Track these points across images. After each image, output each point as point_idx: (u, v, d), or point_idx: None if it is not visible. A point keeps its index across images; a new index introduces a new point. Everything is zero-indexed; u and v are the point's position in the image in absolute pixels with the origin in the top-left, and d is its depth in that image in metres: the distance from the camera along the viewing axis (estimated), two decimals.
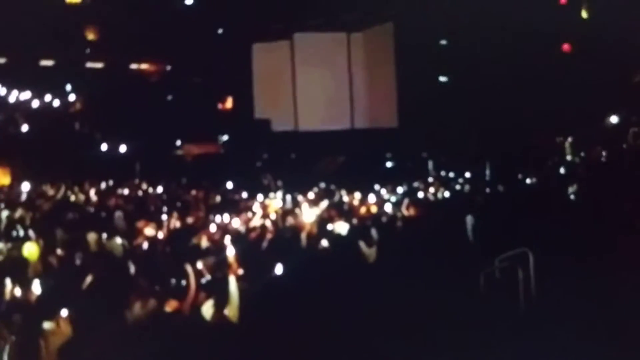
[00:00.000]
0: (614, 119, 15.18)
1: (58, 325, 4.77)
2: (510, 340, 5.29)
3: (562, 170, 12.01)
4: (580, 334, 5.28)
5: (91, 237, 7.78)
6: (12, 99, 18.16)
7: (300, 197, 11.87)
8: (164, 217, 9.54)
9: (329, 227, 8.33)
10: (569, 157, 13.11)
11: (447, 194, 12.60)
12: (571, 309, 5.85)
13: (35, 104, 18.26)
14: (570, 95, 14.24)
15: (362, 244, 7.26)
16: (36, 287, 5.67)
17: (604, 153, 10.48)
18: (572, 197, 9.63)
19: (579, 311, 5.75)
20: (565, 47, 15.76)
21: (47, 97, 18.33)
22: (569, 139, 14.13)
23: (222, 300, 5.81)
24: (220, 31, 18.09)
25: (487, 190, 12.64)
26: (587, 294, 6.04)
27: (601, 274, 6.46)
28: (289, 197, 11.90)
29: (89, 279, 5.97)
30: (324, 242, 7.27)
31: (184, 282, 5.99)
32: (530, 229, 7.66)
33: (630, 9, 13.65)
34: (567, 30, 15.41)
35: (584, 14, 15.56)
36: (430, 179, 14.68)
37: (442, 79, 17.48)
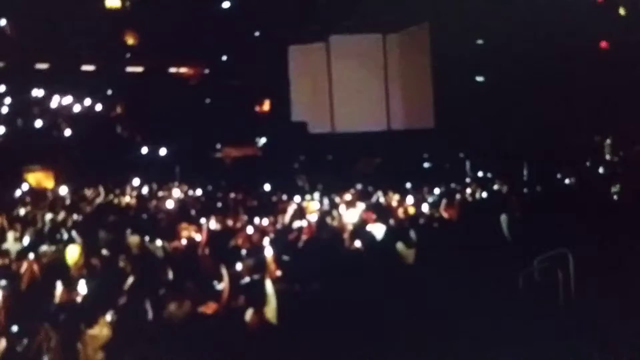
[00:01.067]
0: None
1: (99, 326, 4.88)
2: (550, 342, 5.22)
3: (601, 170, 11.74)
4: (620, 336, 5.18)
5: (132, 239, 7.97)
6: (54, 103, 18.72)
7: (337, 199, 11.90)
8: (203, 219, 9.70)
9: (367, 228, 8.33)
10: (608, 157, 12.81)
11: (484, 194, 12.45)
12: (611, 311, 5.73)
13: (77, 108, 18.79)
14: (608, 93, 13.90)
15: (400, 245, 7.24)
16: (80, 289, 5.81)
17: None
18: (611, 197, 9.39)
19: (619, 313, 5.63)
20: (603, 44, 15.38)
21: (88, 102, 18.84)
22: (608, 139, 13.80)
23: (260, 301, 5.88)
24: (257, 34, 18.25)
25: (525, 190, 12.43)
26: (628, 295, 5.91)
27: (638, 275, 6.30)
28: (326, 198, 11.95)
29: (130, 280, 6.11)
30: (362, 244, 7.28)
31: (221, 284, 6.07)
32: (570, 229, 7.52)
33: None
34: (604, 28, 15.03)
35: (622, 11, 15.16)
36: (468, 180, 14.53)
37: (479, 79, 17.28)
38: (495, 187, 13.55)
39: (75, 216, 10.41)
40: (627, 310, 5.58)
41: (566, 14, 14.11)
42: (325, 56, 18.73)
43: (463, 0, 15.47)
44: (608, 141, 14.00)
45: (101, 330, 4.93)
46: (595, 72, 14.42)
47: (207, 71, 18.94)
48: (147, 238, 7.94)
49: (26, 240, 8.42)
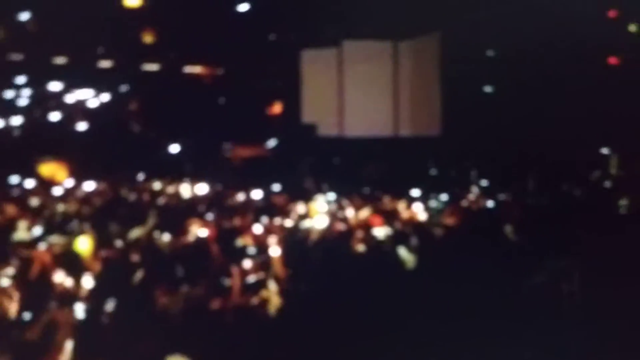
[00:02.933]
0: None
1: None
2: (553, 355, 5.27)
3: (607, 184, 11.84)
4: (623, 348, 5.23)
5: (141, 233, 8.15)
6: (70, 98, 18.98)
7: (344, 202, 12.05)
8: (212, 216, 9.88)
9: (371, 231, 8.48)
10: (613, 171, 12.90)
11: (489, 203, 12.55)
12: (616, 324, 5.78)
13: (93, 103, 19.05)
14: (615, 108, 14.00)
15: (402, 250, 7.38)
16: (87, 281, 5.96)
17: None
18: (616, 210, 9.47)
19: (624, 326, 5.68)
20: (612, 60, 15.48)
21: (104, 97, 19.10)
22: (615, 152, 13.89)
23: (264, 300, 6.02)
24: (271, 37, 18.44)
25: (530, 201, 12.52)
26: (633, 309, 5.95)
27: None
28: (333, 201, 12.09)
29: (139, 274, 6.28)
30: (366, 247, 7.42)
31: (228, 281, 6.22)
32: (574, 241, 7.57)
33: None
34: (614, 44, 15.14)
35: (633, 28, 15.25)
36: (473, 188, 14.64)
37: (487, 89, 17.39)
38: (501, 196, 13.67)
39: (86, 209, 10.62)
40: (633, 323, 5.63)
41: (576, 29, 14.23)
42: (337, 61, 18.86)
43: (475, 12, 15.59)
44: (614, 155, 14.08)
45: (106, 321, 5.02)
46: (604, 87, 14.50)
47: (221, 72, 19.14)
48: (156, 233, 8.12)
49: (37, 231, 8.62)
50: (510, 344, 5.43)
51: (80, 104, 19.01)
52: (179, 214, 10.51)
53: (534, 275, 6.90)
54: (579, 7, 14.23)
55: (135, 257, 6.96)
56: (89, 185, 14.26)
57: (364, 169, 17.36)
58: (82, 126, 18.68)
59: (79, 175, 14.93)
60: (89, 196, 12.75)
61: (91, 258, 6.90)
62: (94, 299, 5.67)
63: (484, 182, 15.57)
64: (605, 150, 14.73)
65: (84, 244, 7.15)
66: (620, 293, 6.28)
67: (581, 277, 6.47)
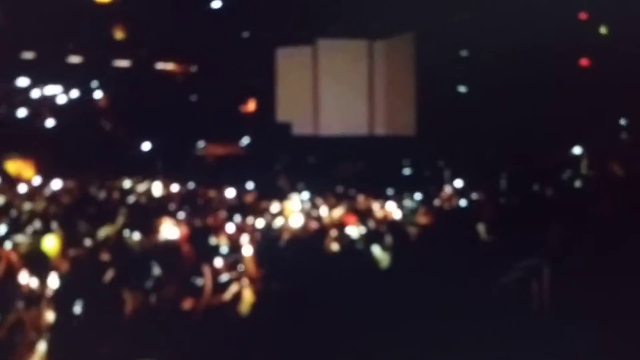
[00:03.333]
0: (628, 135, 15.22)
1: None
2: (523, 352, 5.31)
3: (577, 183, 12.07)
4: (594, 346, 5.29)
5: (110, 232, 8.00)
6: (37, 93, 18.55)
7: (318, 200, 12.03)
8: (184, 215, 9.74)
9: (345, 230, 8.47)
10: (584, 171, 13.16)
11: (462, 202, 12.67)
12: (585, 321, 5.86)
13: (61, 99, 18.64)
14: (587, 109, 14.28)
15: (376, 248, 7.38)
16: (53, 281, 5.81)
17: (619, 168, 10.52)
18: (586, 209, 9.63)
19: (592, 323, 5.75)
20: (584, 61, 15.79)
21: (73, 93, 18.71)
22: (585, 153, 14.17)
23: (236, 299, 5.95)
24: (245, 35, 18.30)
25: (503, 200, 12.67)
26: (601, 307, 6.05)
27: (613, 287, 6.46)
28: (307, 199, 12.06)
29: (108, 274, 6.14)
30: (340, 245, 7.40)
31: (200, 281, 6.13)
32: (545, 240, 7.66)
33: None
34: (585, 45, 15.46)
35: (603, 30, 15.59)
36: (446, 187, 14.76)
37: (461, 89, 17.58)
38: (474, 195, 13.80)
39: (54, 207, 10.39)
40: (601, 321, 5.71)
41: (549, 30, 14.46)
42: (312, 59, 18.83)
43: (449, 12, 15.75)
44: (585, 155, 14.36)
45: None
46: (575, 88, 14.76)
47: (194, 69, 18.93)
48: (126, 232, 7.98)
49: (2, 230, 8.41)
50: (483, 341, 5.46)
51: (48, 100, 18.59)
52: (150, 212, 10.36)
53: (505, 273, 6.97)
54: (550, 9, 14.47)
55: (104, 257, 6.81)
56: (57, 184, 13.95)
57: (339, 167, 17.37)
58: (50, 123, 18.26)
59: (47, 173, 14.60)
60: (56, 194, 12.48)
61: (59, 257, 6.73)
62: (62, 299, 5.53)
63: (458, 182, 15.72)
64: (576, 151, 15.00)
65: (51, 243, 6.98)
66: (590, 291, 6.39)
67: (551, 275, 6.55)
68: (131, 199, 12.64)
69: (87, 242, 7.56)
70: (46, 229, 8.02)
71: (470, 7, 15.25)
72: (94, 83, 18.56)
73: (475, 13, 15.32)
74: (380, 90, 18.75)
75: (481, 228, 8.63)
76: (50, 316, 5.08)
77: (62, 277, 6.04)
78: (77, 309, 5.19)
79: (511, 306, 6.61)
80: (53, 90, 18.44)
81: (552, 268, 6.55)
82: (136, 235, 7.99)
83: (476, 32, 15.50)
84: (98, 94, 18.78)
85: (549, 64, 14.77)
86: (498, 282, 6.87)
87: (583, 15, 15.64)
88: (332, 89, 18.59)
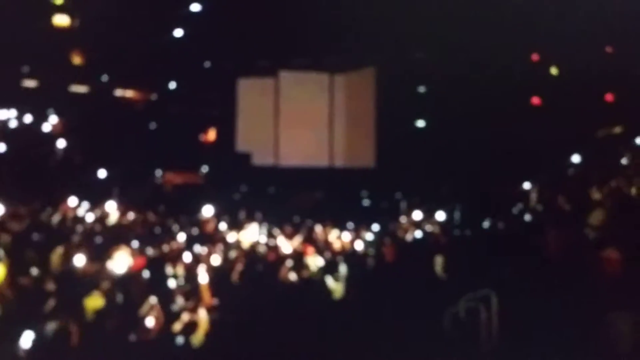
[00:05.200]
0: (575, 171, 15.89)
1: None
2: None
3: (527, 217, 12.46)
4: None
5: (60, 260, 7.79)
6: None
7: (276, 231, 12.03)
8: (139, 244, 9.59)
9: (302, 260, 8.49)
10: (534, 205, 13.61)
11: (418, 234, 12.86)
12: (530, 349, 5.99)
13: (15, 123, 18.21)
14: (538, 146, 14.85)
15: (329, 279, 7.41)
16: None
17: (566, 202, 10.94)
18: (534, 242, 9.89)
19: (537, 351, 5.89)
20: (535, 100, 16.50)
21: (28, 118, 18.31)
22: (535, 187, 14.66)
23: (190, 328, 5.87)
24: (207, 64, 18.38)
25: (456, 232, 12.91)
26: (547, 335, 6.20)
27: (561, 317, 6.64)
28: (265, 230, 12.05)
29: (51, 302, 5.97)
30: (296, 275, 7.42)
31: (152, 311, 6.04)
32: (496, 271, 7.83)
33: (596, 70, 14.48)
34: (537, 85, 16.18)
35: (554, 70, 16.37)
36: (403, 219, 14.98)
37: (419, 124, 18.06)
38: (428, 228, 14.02)
39: (2, 234, 10.06)
40: (545, 347, 5.85)
41: (503, 70, 15.10)
42: (273, 91, 19.03)
43: (408, 49, 16.25)
44: (535, 190, 14.83)
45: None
46: (528, 125, 15.34)
47: (154, 97, 18.85)
48: (76, 259, 7.80)
49: None
50: None
51: (1, 123, 18.14)
52: (103, 241, 10.15)
53: (456, 303, 7.09)
54: (504, 49, 15.10)
55: (50, 286, 6.62)
56: (5, 209, 13.50)
57: (298, 198, 17.44)
58: (1, 147, 17.77)
59: None
60: (4, 220, 12.07)
61: (4, 286, 6.52)
62: (7, 329, 5.36)
63: (415, 214, 15.98)
64: (526, 185, 15.50)
65: None
66: (536, 320, 6.55)
67: (499, 304, 6.71)
68: (85, 227, 12.33)
69: (35, 270, 7.33)
70: None
71: (428, 45, 15.79)
72: (51, 108, 18.23)
73: (433, 51, 15.87)
74: (340, 123, 19.05)
75: (436, 259, 8.75)
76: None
77: (7, 307, 5.87)
78: (24, 339, 5.05)
79: (461, 335, 6.71)
80: (6, 113, 18.02)
81: (500, 298, 6.70)
82: (88, 264, 7.81)
83: (434, 69, 16.03)
84: (54, 120, 18.44)
85: (503, 102, 15.34)
86: (449, 311, 6.97)
87: (535, 57, 16.39)
88: (292, 120, 18.78)
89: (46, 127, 18.36)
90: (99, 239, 10.46)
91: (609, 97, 16.01)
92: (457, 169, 15.58)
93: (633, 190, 11.63)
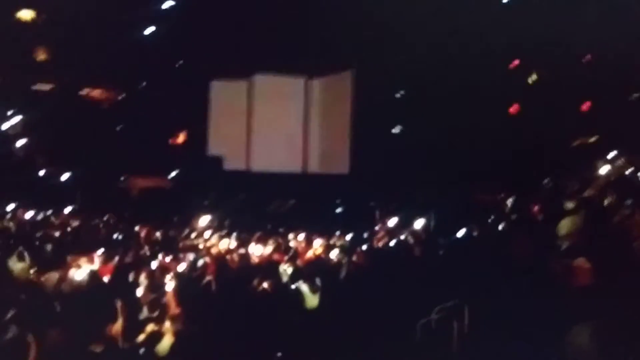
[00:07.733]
0: (551, 181, 15.97)
1: None
2: None
3: (501, 226, 12.43)
4: None
5: (18, 268, 7.40)
6: None
7: (247, 238, 11.75)
8: (102, 251, 9.20)
9: (274, 269, 8.23)
10: (508, 214, 13.61)
11: (392, 242, 12.70)
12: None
13: None
14: (514, 155, 14.91)
15: (304, 288, 7.20)
16: None
17: (539, 212, 10.96)
18: (508, 252, 9.82)
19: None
20: (513, 108, 16.61)
21: None
22: (510, 197, 14.68)
23: (155, 338, 5.61)
24: (179, 64, 18.01)
25: (431, 241, 12.78)
26: (518, 346, 6.10)
27: (530, 330, 6.55)
28: (236, 236, 11.77)
29: (10, 313, 5.62)
30: (268, 284, 7.17)
31: (118, 318, 5.74)
32: (469, 282, 7.73)
33: (574, 79, 14.62)
34: (515, 93, 16.29)
35: (533, 78, 16.53)
36: (377, 227, 14.83)
37: (395, 130, 17.98)
38: (402, 237, 13.87)
39: None
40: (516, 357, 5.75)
41: (481, 77, 15.13)
42: (247, 94, 18.76)
43: (386, 54, 16.17)
44: (510, 199, 14.84)
45: None
46: (504, 133, 15.40)
47: (122, 96, 18.36)
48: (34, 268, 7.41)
49: None
50: None
51: None
52: (64, 247, 9.72)
53: (428, 314, 6.99)
54: (483, 56, 15.16)
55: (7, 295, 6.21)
56: None
57: (270, 204, 17.15)
58: None
59: None
60: None
61: None
62: None
63: (390, 221, 15.86)
64: (503, 195, 15.51)
65: None
66: (507, 331, 6.46)
67: (470, 315, 6.63)
68: (46, 232, 11.83)
69: None
70: None
71: (407, 49, 15.74)
72: (12, 107, 17.58)
73: (411, 55, 15.81)
74: (315, 128, 18.86)
75: (410, 267, 8.60)
76: None
77: None
78: None
79: (432, 346, 6.61)
80: None
81: (472, 309, 6.62)
82: (47, 273, 7.39)
83: (412, 74, 15.97)
84: (16, 119, 17.78)
85: (481, 109, 15.38)
86: (421, 322, 6.86)
87: (515, 63, 16.51)
88: (266, 124, 18.49)
89: (5, 126, 17.69)
90: (59, 246, 10.01)
91: (585, 106, 16.20)
92: (432, 176, 15.54)
93: (606, 201, 11.69)
